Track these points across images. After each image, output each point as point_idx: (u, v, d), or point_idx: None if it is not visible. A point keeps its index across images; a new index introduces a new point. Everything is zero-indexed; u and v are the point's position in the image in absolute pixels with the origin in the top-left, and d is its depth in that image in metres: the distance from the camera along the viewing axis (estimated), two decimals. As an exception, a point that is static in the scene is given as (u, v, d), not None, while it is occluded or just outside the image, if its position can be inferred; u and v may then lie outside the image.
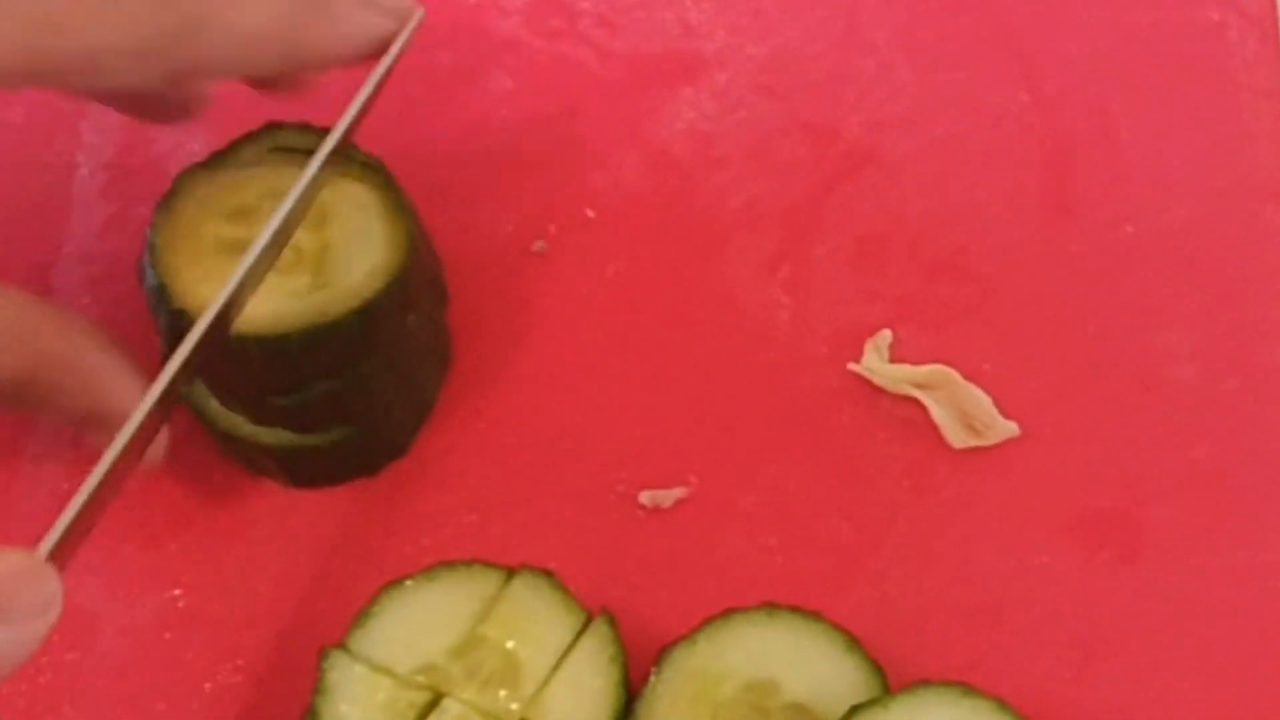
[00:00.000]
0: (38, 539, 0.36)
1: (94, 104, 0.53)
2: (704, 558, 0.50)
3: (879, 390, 0.52)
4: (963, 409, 0.51)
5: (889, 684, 0.44)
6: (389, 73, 0.47)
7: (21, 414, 0.44)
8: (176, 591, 0.50)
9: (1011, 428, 0.51)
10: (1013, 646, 0.48)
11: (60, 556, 0.37)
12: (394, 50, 0.47)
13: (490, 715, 0.43)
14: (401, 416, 0.51)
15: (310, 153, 0.45)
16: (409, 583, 0.45)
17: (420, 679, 0.44)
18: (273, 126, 0.50)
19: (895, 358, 0.53)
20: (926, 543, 0.50)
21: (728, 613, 0.45)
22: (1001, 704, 0.42)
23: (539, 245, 0.55)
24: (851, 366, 0.52)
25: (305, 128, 0.50)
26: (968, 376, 0.52)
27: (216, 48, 0.42)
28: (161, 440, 0.44)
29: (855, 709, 0.42)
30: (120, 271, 0.55)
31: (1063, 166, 0.57)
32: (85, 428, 0.46)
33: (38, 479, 0.52)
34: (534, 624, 0.44)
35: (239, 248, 0.44)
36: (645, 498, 0.50)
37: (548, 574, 0.45)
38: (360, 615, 0.45)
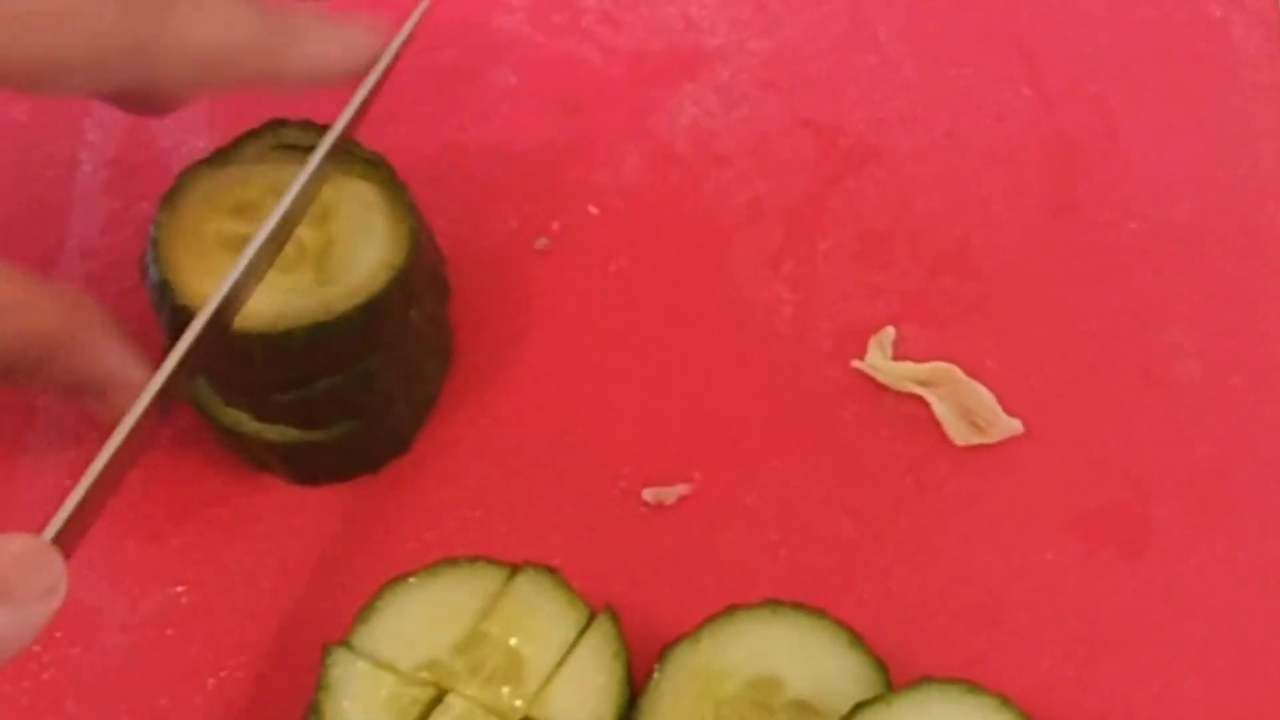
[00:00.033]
0: (43, 526, 0.37)
1: (97, 101, 0.53)
2: (707, 554, 0.50)
3: (882, 387, 0.52)
4: (966, 406, 0.51)
5: (892, 681, 0.44)
6: (390, 70, 0.47)
7: (13, 386, 0.45)
8: (179, 588, 0.50)
9: (1014, 425, 0.51)
10: (1015, 643, 0.48)
11: (66, 542, 0.37)
12: (395, 46, 0.47)
13: (493, 712, 0.43)
14: (404, 413, 0.51)
15: (313, 150, 0.45)
16: (412, 579, 0.45)
17: (423, 675, 0.44)
18: (276, 124, 0.50)
19: (898, 355, 0.53)
20: (929, 540, 0.50)
21: (731, 609, 0.45)
22: (1005, 701, 0.42)
23: (542, 242, 0.55)
24: (855, 363, 0.52)
25: (308, 125, 0.50)
26: (971, 373, 0.52)
27: (175, 63, 0.42)
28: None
29: (859, 706, 0.42)
30: (123, 268, 0.55)
31: (1066, 163, 0.57)
32: (79, 396, 0.46)
33: (42, 467, 0.52)
34: (537, 621, 0.44)
35: (242, 244, 0.44)
36: (648, 494, 0.50)
37: (551, 571, 0.45)
38: (363, 612, 0.45)
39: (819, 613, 0.45)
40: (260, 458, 0.51)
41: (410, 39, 0.47)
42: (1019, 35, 0.60)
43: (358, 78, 0.45)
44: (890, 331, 0.53)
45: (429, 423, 0.52)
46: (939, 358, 0.52)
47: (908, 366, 0.52)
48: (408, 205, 0.49)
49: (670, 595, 0.49)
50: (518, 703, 0.43)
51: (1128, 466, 0.51)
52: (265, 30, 0.44)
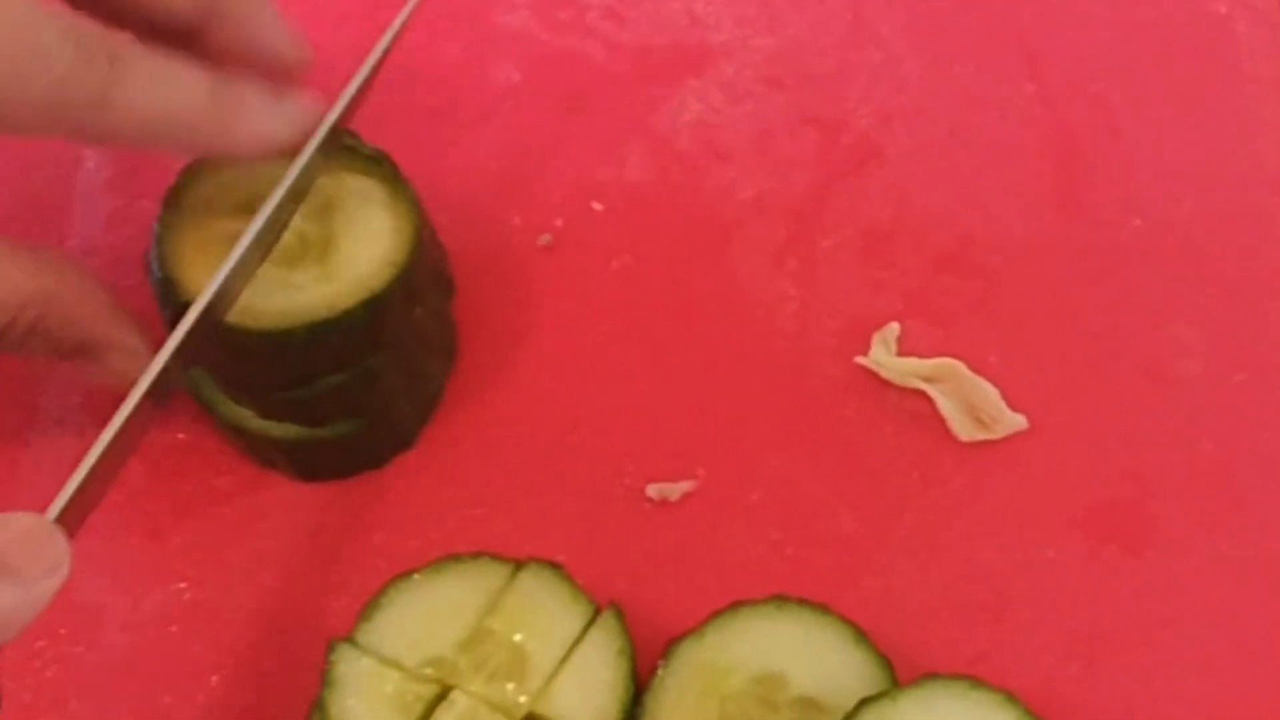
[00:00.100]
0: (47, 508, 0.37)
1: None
2: (711, 551, 0.50)
3: (886, 383, 0.52)
4: (970, 402, 0.51)
5: (896, 677, 0.44)
6: (382, 63, 0.47)
7: (9, 354, 0.45)
8: (182, 585, 0.50)
9: (1019, 421, 0.51)
10: (1019, 640, 0.48)
11: (69, 523, 0.38)
12: (389, 35, 0.47)
13: (498, 708, 0.43)
14: (408, 409, 0.51)
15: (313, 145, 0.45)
16: (416, 576, 0.45)
17: (428, 672, 0.44)
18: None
19: (902, 351, 0.53)
20: (934, 536, 0.50)
21: (735, 605, 0.45)
22: (1010, 697, 0.42)
23: (545, 238, 0.55)
24: (859, 360, 0.52)
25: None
26: (975, 369, 0.52)
27: (124, 121, 0.42)
28: None
29: (864, 702, 0.42)
30: (126, 265, 0.55)
31: (1070, 160, 0.57)
32: (74, 360, 0.47)
33: (44, 460, 0.52)
34: (542, 617, 0.44)
35: (245, 242, 0.44)
36: (653, 491, 0.50)
37: (555, 567, 0.45)
38: (367, 608, 0.45)
39: (823, 609, 0.45)
40: (264, 455, 0.51)
41: (404, 32, 0.47)
42: (1021, 32, 0.60)
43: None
44: (894, 327, 0.53)
45: (433, 420, 0.52)
46: (943, 354, 0.52)
47: (912, 362, 0.52)
48: (410, 202, 0.49)
49: (675, 591, 0.49)
50: (522, 699, 0.43)
51: (1131, 463, 0.51)
52: (213, 100, 0.44)
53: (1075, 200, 0.56)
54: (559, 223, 0.56)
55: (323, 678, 0.43)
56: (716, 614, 0.45)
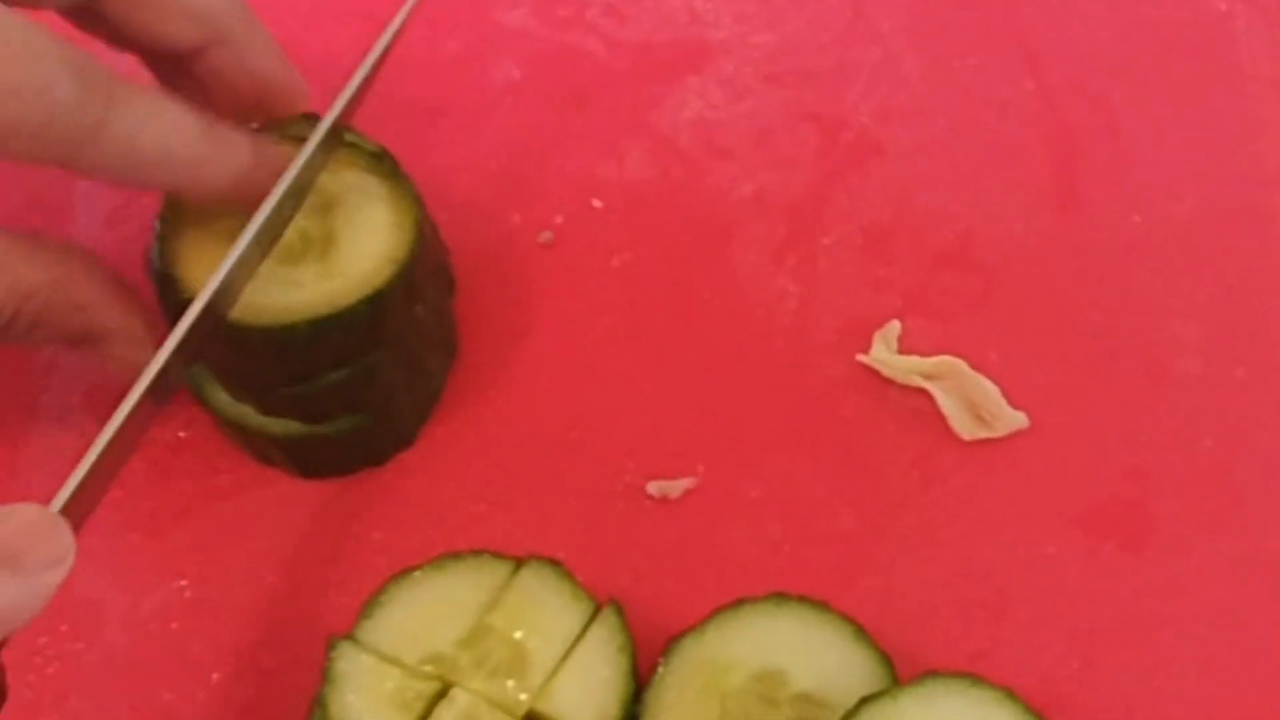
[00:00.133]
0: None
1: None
2: (712, 548, 0.50)
3: (887, 381, 0.52)
4: (971, 400, 0.51)
5: (896, 673, 0.44)
6: (384, 58, 0.47)
7: (14, 343, 0.46)
8: (183, 582, 0.50)
9: (1019, 418, 0.51)
10: (1019, 637, 0.48)
11: (72, 516, 0.38)
12: (389, 33, 0.47)
13: (498, 705, 0.43)
14: (409, 406, 0.51)
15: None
16: (417, 573, 0.45)
17: (428, 669, 0.44)
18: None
19: (903, 348, 0.53)
20: (934, 533, 0.50)
21: (736, 603, 0.45)
22: (1009, 694, 0.42)
23: (546, 236, 0.55)
24: (859, 357, 0.52)
25: (313, 118, 0.49)
26: (976, 367, 0.52)
27: (113, 156, 0.42)
28: None
29: (865, 700, 0.42)
30: (127, 262, 0.54)
31: (1070, 157, 0.57)
32: (81, 348, 0.47)
33: (47, 450, 0.52)
34: (542, 614, 0.44)
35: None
36: (653, 488, 0.50)
37: (556, 564, 0.45)
38: (368, 605, 0.45)
39: (824, 606, 0.45)
40: (264, 452, 0.51)
41: (404, 29, 0.47)
42: (1021, 30, 0.59)
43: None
44: (895, 325, 0.53)
45: (433, 417, 0.52)
46: (944, 352, 0.52)
47: (912, 360, 0.52)
48: (412, 198, 0.49)
49: (675, 589, 0.49)
50: (522, 696, 0.43)
51: (1131, 461, 0.51)
52: (202, 141, 0.44)
53: (1075, 198, 0.56)
54: (559, 220, 0.56)
55: (323, 675, 0.43)
56: (717, 611, 0.45)
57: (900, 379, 0.52)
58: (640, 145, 0.57)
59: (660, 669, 0.44)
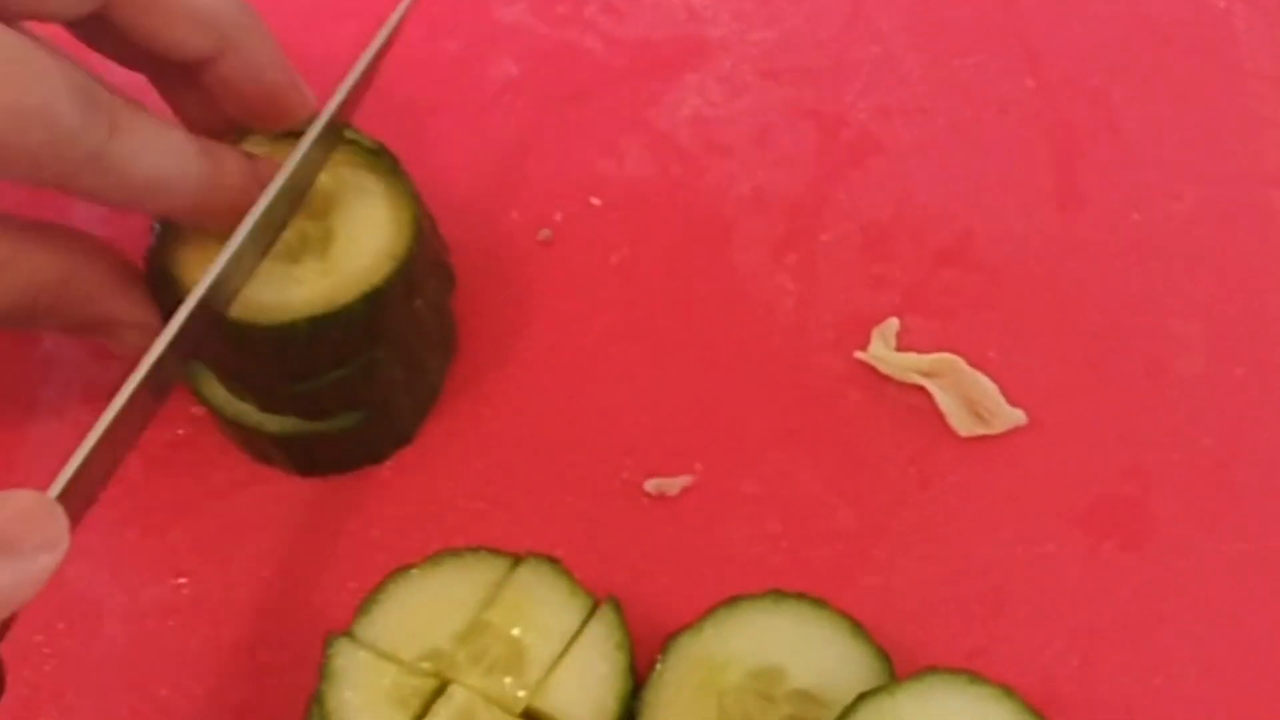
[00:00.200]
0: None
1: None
2: (710, 545, 0.50)
3: (885, 378, 0.52)
4: (969, 397, 0.51)
5: (895, 671, 0.44)
6: (383, 53, 0.47)
7: (22, 329, 0.46)
8: (181, 579, 0.50)
9: (1018, 416, 0.51)
10: (1018, 635, 0.48)
11: (71, 504, 0.38)
12: (387, 29, 0.47)
13: (496, 702, 0.43)
14: (408, 404, 0.51)
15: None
16: (414, 570, 0.45)
17: (426, 665, 0.44)
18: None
19: (902, 345, 0.52)
20: (932, 531, 0.50)
21: (734, 600, 0.45)
22: (1008, 691, 0.42)
23: (544, 233, 0.55)
24: (858, 354, 0.52)
25: (314, 112, 0.49)
26: (974, 364, 0.52)
27: (112, 182, 0.42)
28: None
29: (863, 696, 0.42)
30: (125, 259, 0.55)
31: (1069, 154, 0.57)
32: (88, 335, 0.47)
33: (45, 444, 0.52)
34: (540, 611, 0.44)
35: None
36: (651, 485, 0.50)
37: (553, 561, 0.45)
38: (366, 602, 0.45)
39: (822, 603, 0.45)
40: (263, 449, 0.51)
41: (401, 27, 0.47)
42: (1021, 27, 0.59)
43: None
44: (893, 322, 0.53)
45: (432, 414, 0.52)
46: (942, 349, 0.52)
47: (911, 357, 0.52)
48: (410, 194, 0.49)
49: (673, 586, 0.49)
50: (520, 693, 0.43)
51: (1131, 459, 0.51)
52: (201, 168, 0.44)
53: (1074, 195, 0.56)
54: (558, 217, 0.56)
55: (321, 672, 0.43)
56: (714, 608, 0.45)
57: (898, 376, 0.52)
58: (639, 142, 0.57)
59: (658, 666, 0.44)
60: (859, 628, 0.44)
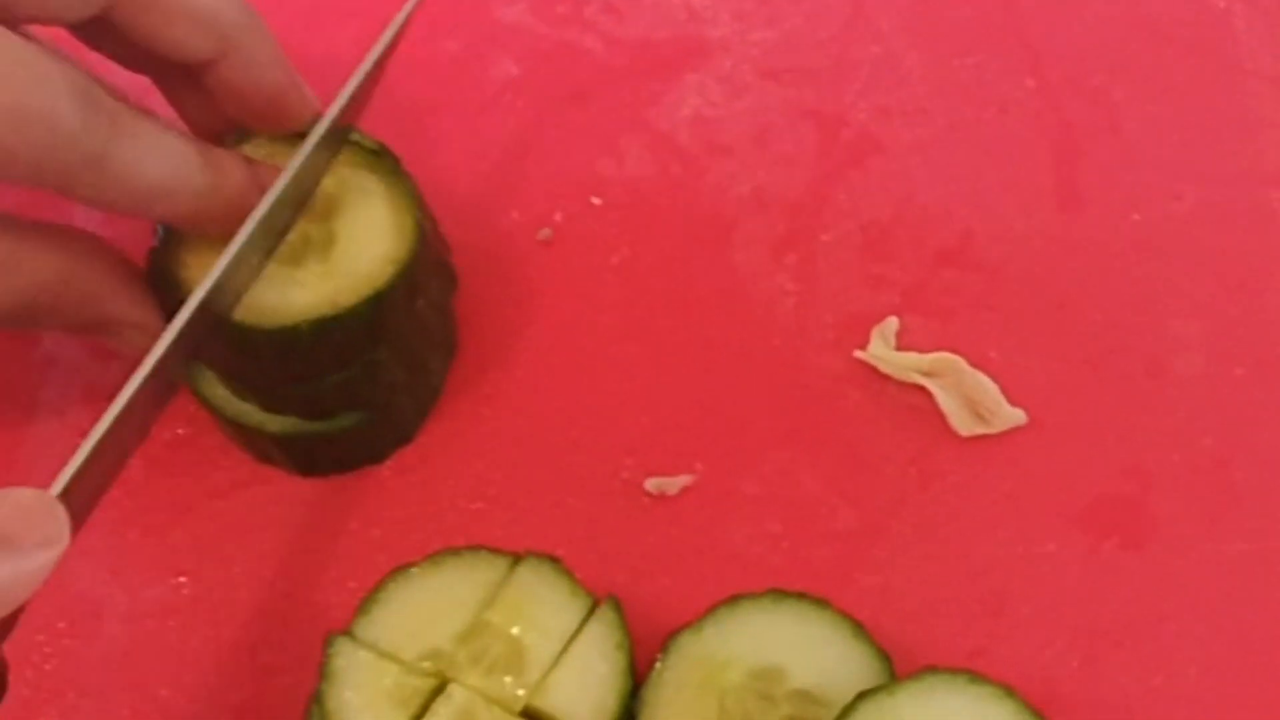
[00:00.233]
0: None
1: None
2: (710, 544, 0.50)
3: (885, 378, 0.52)
4: (969, 396, 0.51)
5: (895, 671, 0.44)
6: (387, 55, 0.47)
7: (22, 329, 0.46)
8: (181, 579, 0.50)
9: (1018, 415, 0.51)
10: (1018, 634, 0.48)
11: (73, 505, 0.38)
12: (390, 32, 0.47)
13: (496, 701, 0.43)
14: (409, 404, 0.51)
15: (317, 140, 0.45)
16: (415, 570, 0.45)
17: (426, 665, 0.44)
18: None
19: (902, 345, 0.52)
20: (932, 530, 0.50)
21: (734, 599, 0.45)
22: (1008, 690, 0.42)
23: (545, 233, 0.55)
24: (858, 354, 0.52)
25: (317, 114, 0.49)
26: (974, 364, 0.52)
27: (112, 187, 0.42)
28: None
29: (862, 695, 0.42)
30: (126, 260, 0.55)
31: (1070, 154, 0.57)
32: (89, 335, 0.47)
33: (45, 445, 0.52)
34: (540, 610, 0.44)
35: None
36: (651, 485, 0.50)
37: (553, 560, 0.45)
38: (366, 602, 0.45)
39: (822, 603, 0.45)
40: (264, 449, 0.51)
41: (405, 29, 0.47)
42: (1021, 27, 0.59)
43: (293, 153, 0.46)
44: (893, 322, 0.53)
45: (433, 414, 0.52)
46: (942, 348, 0.52)
47: (911, 357, 0.52)
48: (412, 196, 0.49)
49: (673, 585, 0.49)
50: (520, 692, 0.43)
51: (1131, 459, 0.51)
52: (204, 172, 0.44)
53: (1075, 195, 0.56)
54: (558, 217, 0.56)
55: (321, 671, 0.43)
56: (715, 607, 0.45)
57: (899, 376, 0.52)
58: (639, 142, 0.57)
59: (658, 665, 0.44)
60: (859, 628, 0.44)
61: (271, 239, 0.46)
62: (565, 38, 0.60)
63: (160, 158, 0.43)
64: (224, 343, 0.46)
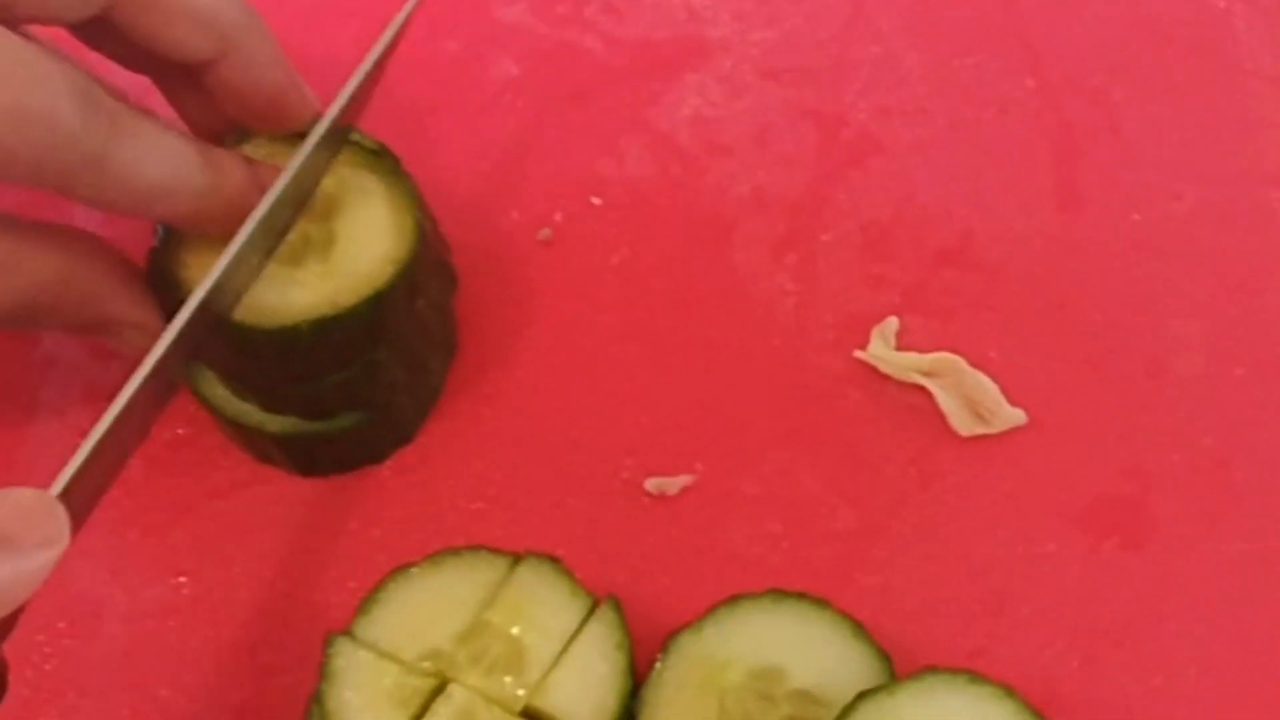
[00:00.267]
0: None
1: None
2: (710, 545, 0.50)
3: (885, 378, 0.52)
4: (969, 396, 0.51)
5: (895, 671, 0.44)
6: (387, 55, 0.47)
7: (22, 329, 0.46)
8: (181, 579, 0.50)
9: (1018, 415, 0.51)
10: (1018, 634, 0.48)
11: (73, 505, 0.38)
12: (390, 32, 0.47)
13: (496, 701, 0.43)
14: (409, 404, 0.51)
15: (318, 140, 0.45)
16: (415, 570, 0.45)
17: (426, 665, 0.44)
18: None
19: (902, 345, 0.53)
20: (932, 530, 0.50)
21: (734, 599, 0.45)
22: (1008, 690, 0.42)
23: (545, 233, 0.55)
24: (858, 354, 0.52)
25: (317, 114, 0.49)
26: (974, 364, 0.52)
27: (112, 186, 0.42)
28: None
29: (862, 695, 0.42)
30: (126, 260, 0.55)
31: (1070, 154, 0.57)
32: (89, 335, 0.47)
33: (45, 445, 0.52)
34: (540, 610, 0.44)
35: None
36: (651, 485, 0.50)
37: (553, 560, 0.45)
38: (366, 602, 0.45)
39: (822, 603, 0.45)
40: (263, 449, 0.51)
41: (405, 29, 0.47)
42: (1021, 27, 0.59)
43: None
44: (893, 322, 0.53)
45: (433, 414, 0.52)
46: (942, 348, 0.52)
47: (911, 357, 0.52)
48: (412, 196, 0.49)
49: (673, 585, 0.49)
50: (520, 692, 0.43)
51: (1131, 459, 0.51)
52: (199, 171, 0.44)
53: (1075, 195, 0.56)
54: (558, 217, 0.56)
55: (321, 671, 0.43)
56: (715, 607, 0.45)
57: (899, 375, 0.52)
58: (639, 142, 0.57)
59: (658, 665, 0.44)
60: (859, 628, 0.44)
61: (271, 239, 0.46)
62: (565, 38, 0.60)
63: (160, 158, 0.43)
64: (224, 343, 0.46)
